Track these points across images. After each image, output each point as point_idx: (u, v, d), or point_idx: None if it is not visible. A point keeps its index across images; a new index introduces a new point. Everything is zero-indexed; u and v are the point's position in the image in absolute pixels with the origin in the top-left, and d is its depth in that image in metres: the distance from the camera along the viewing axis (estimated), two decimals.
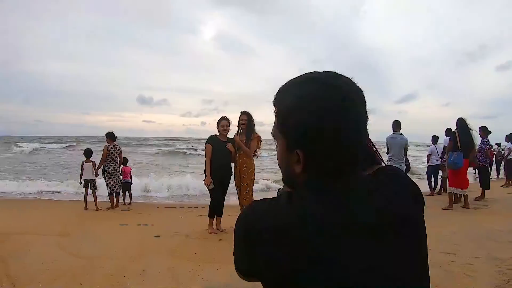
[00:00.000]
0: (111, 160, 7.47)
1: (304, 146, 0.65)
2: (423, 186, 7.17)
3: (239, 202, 5.48)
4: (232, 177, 5.45)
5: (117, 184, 7.54)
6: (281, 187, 0.86)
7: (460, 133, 6.70)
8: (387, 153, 6.98)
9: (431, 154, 9.06)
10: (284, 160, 0.72)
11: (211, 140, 5.28)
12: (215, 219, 5.34)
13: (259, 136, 5.38)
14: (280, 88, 0.73)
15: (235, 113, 5.36)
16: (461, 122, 6.89)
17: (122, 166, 7.93)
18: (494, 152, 12.61)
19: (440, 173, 9.09)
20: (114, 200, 7.59)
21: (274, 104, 0.73)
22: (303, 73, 0.72)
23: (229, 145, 5.29)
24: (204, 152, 5.51)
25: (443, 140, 8.69)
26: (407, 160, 7.25)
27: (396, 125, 7.08)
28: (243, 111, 5.46)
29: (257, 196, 6.13)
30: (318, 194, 0.65)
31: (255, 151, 5.34)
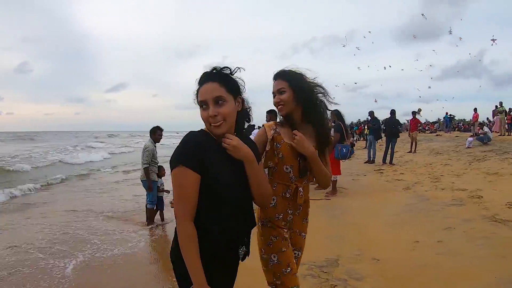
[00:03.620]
0: None
1: None
2: None
3: None
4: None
5: None
6: None
7: (344, 124, 7.24)
8: None
9: None
10: None
11: (197, 149, 1.41)
12: None
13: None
14: None
15: None
16: (340, 114, 7.45)
17: None
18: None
19: None
20: None
21: None
22: None
23: (300, 139, 1.85)
24: None
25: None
26: None
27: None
28: (279, 71, 1.97)
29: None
30: None
31: None
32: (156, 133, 5.85)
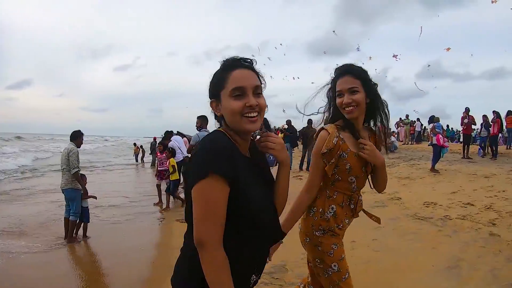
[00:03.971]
0: None
1: None
2: None
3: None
4: None
5: None
6: None
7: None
8: None
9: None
10: None
11: (229, 153, 1.10)
12: None
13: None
14: None
15: None
16: (268, 122, 7.63)
17: None
18: None
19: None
20: None
21: None
22: None
23: (372, 149, 1.75)
24: None
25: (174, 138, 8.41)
26: None
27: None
28: (348, 67, 1.80)
29: None
30: None
31: None
32: (81, 138, 5.32)
